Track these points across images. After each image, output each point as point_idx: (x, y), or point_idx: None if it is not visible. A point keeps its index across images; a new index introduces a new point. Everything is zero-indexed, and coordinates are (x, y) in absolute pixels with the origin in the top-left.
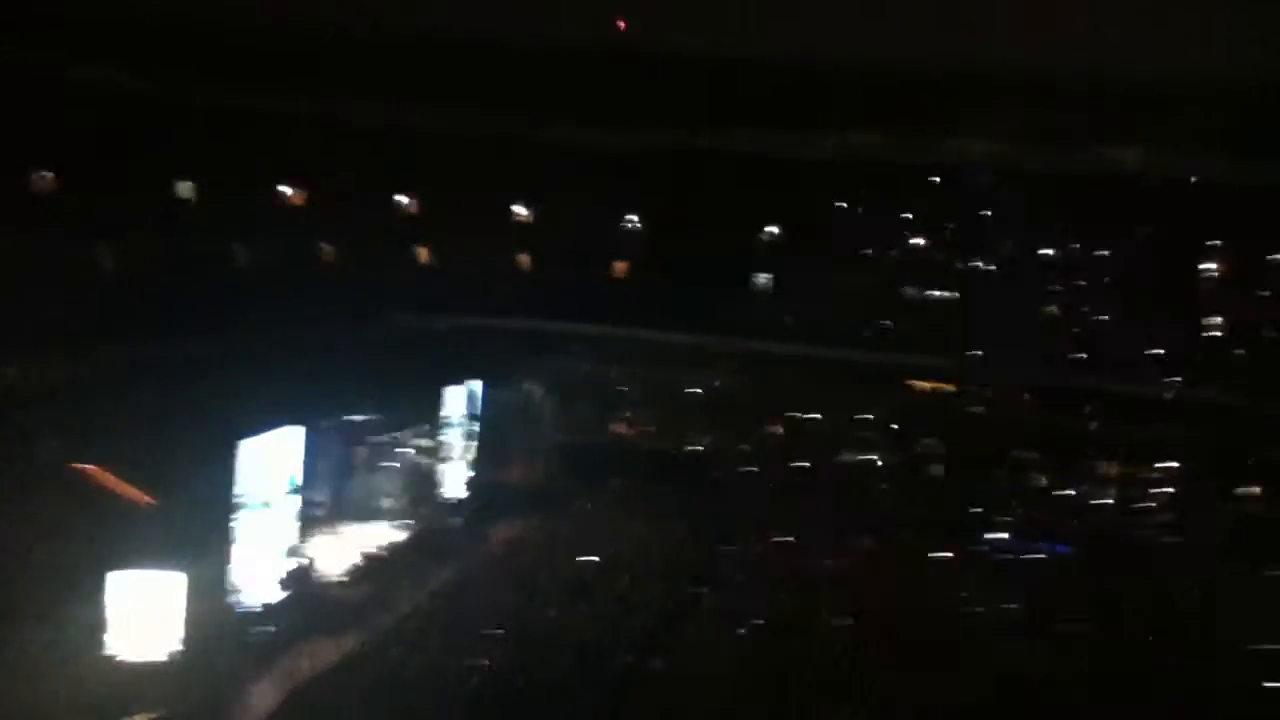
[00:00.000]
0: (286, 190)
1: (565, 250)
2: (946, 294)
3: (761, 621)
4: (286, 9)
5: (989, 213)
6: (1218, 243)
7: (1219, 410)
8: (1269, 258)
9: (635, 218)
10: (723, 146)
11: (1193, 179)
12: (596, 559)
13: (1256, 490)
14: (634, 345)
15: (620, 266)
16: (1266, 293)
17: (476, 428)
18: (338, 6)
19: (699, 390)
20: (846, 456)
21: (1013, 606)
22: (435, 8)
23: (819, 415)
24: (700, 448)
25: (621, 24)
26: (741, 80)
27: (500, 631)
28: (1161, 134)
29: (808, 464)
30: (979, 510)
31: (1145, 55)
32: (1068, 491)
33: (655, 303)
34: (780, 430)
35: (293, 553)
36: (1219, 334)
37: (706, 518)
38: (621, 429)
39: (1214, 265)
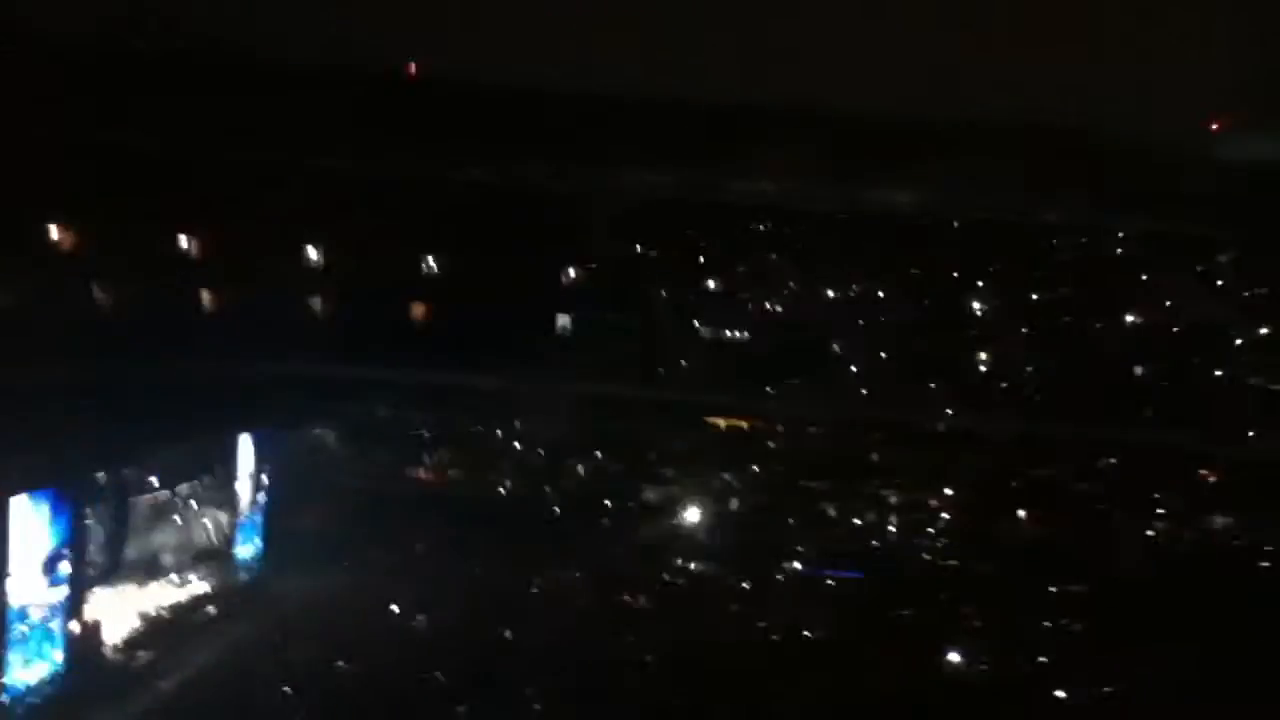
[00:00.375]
0: (54, 228)
1: (362, 292)
2: (740, 334)
3: (572, 659)
4: None
5: (776, 255)
6: (985, 283)
7: (991, 439)
8: (1034, 296)
9: (435, 259)
10: (523, 182)
11: (967, 219)
12: (396, 608)
13: (1025, 514)
14: (434, 389)
15: (420, 309)
16: (1028, 329)
17: (266, 478)
18: None
19: (500, 433)
20: (649, 495)
21: (811, 633)
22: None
23: (619, 454)
24: (502, 491)
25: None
26: (547, 112)
27: (291, 690)
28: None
29: (609, 503)
30: (776, 540)
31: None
32: (856, 520)
33: (455, 345)
34: (583, 471)
35: (65, 619)
36: (987, 368)
37: (511, 561)
38: (423, 475)
39: (986, 303)
